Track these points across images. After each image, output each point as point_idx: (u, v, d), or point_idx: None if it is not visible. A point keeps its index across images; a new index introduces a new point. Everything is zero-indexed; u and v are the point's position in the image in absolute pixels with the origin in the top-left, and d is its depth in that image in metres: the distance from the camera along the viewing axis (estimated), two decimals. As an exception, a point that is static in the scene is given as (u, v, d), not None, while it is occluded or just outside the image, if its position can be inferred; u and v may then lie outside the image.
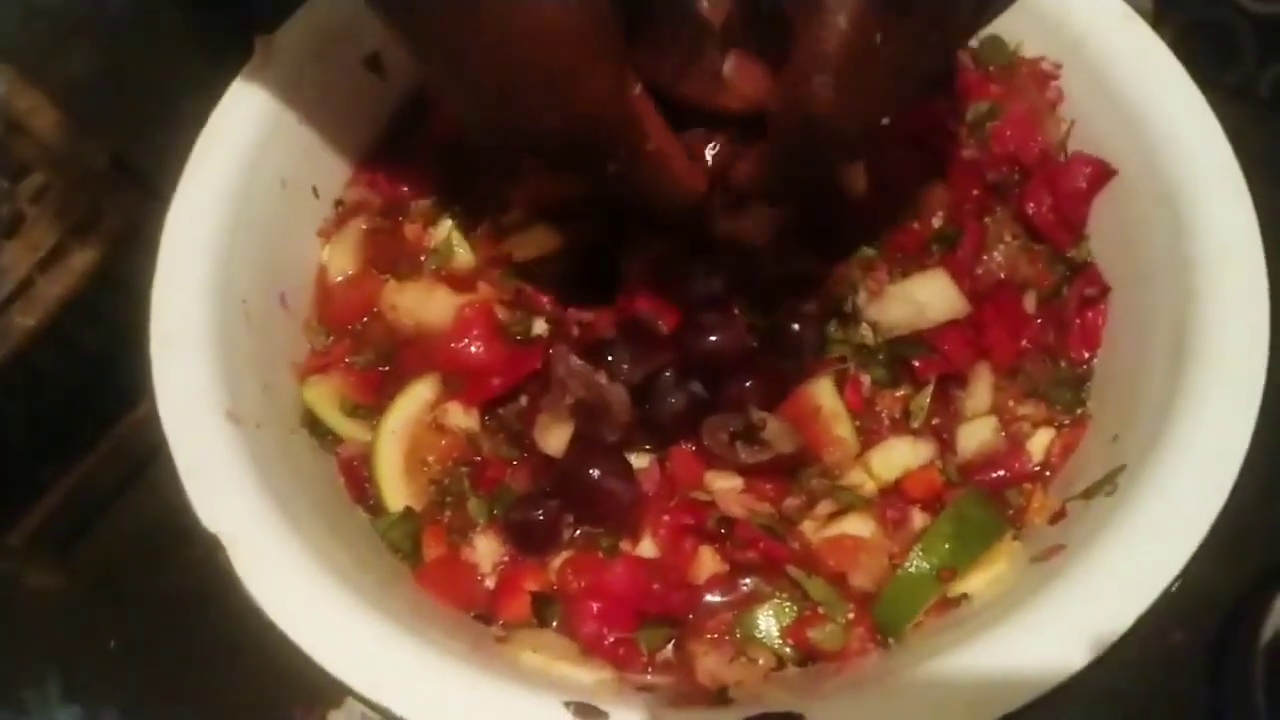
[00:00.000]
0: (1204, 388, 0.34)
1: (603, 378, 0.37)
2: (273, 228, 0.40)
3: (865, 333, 0.40)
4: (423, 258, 0.42)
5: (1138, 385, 0.37)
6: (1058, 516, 0.36)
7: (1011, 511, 0.38)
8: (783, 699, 0.32)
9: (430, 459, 0.39)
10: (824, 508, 0.37)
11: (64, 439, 0.58)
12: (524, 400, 0.39)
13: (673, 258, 0.39)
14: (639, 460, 0.38)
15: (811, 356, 0.39)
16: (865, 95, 0.29)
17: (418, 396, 0.39)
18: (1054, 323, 0.41)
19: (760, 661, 0.34)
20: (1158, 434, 0.34)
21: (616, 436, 0.37)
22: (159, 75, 0.70)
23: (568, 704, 0.31)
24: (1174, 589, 0.32)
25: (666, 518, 0.37)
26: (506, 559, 0.37)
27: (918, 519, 0.37)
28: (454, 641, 0.34)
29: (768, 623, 0.35)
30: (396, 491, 0.38)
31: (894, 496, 0.37)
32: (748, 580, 0.36)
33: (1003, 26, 0.44)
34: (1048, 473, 0.38)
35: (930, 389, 0.39)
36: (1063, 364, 0.40)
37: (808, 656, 0.35)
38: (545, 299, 0.41)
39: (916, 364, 0.39)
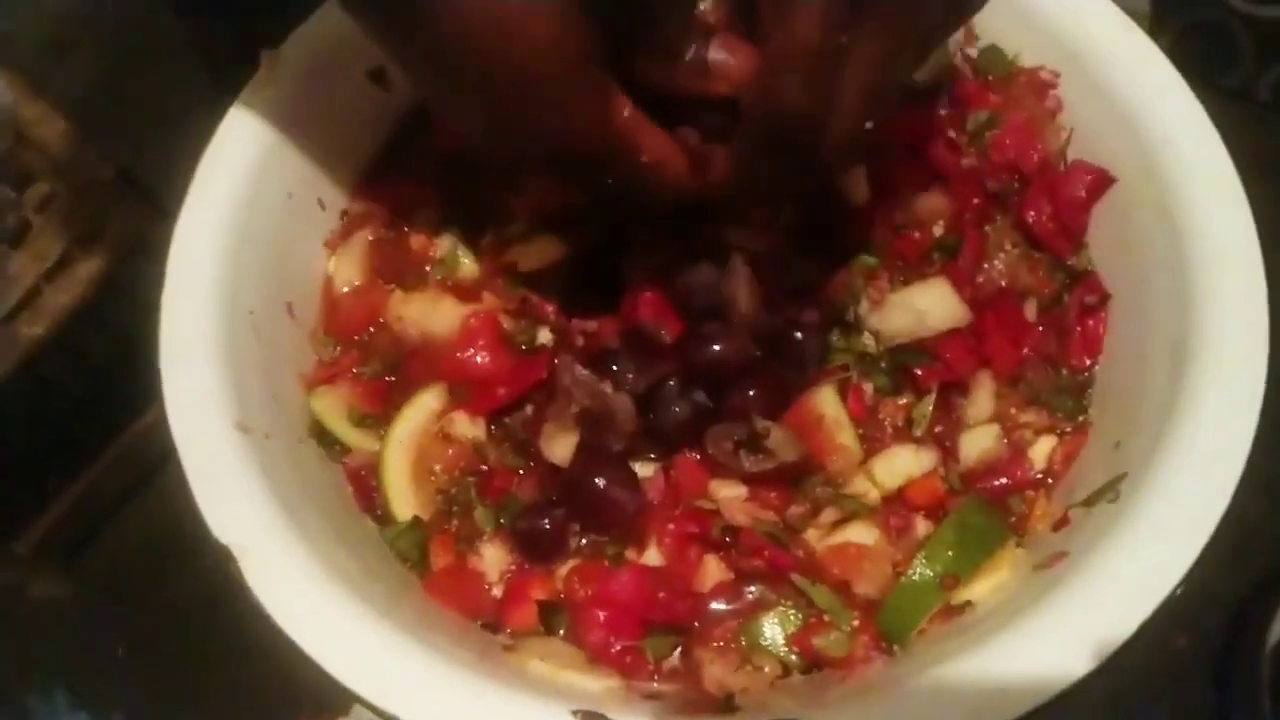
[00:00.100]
0: (1204, 393, 0.34)
1: (608, 387, 0.37)
2: (279, 239, 0.40)
3: (867, 341, 0.40)
4: (428, 268, 0.42)
5: (1138, 392, 0.38)
6: (1060, 524, 0.37)
7: (1014, 519, 0.38)
8: (789, 706, 0.32)
9: (437, 468, 0.39)
10: (828, 516, 0.37)
11: (70, 447, 0.59)
12: (530, 409, 0.39)
13: (675, 267, 0.39)
14: (644, 469, 0.38)
15: (814, 365, 0.39)
16: (837, 95, 0.29)
17: (424, 406, 0.39)
18: (1055, 330, 0.41)
19: (766, 669, 0.35)
20: (1159, 440, 0.34)
21: (621, 445, 0.37)
22: (163, 85, 0.71)
23: (575, 712, 0.31)
24: (1177, 594, 0.32)
25: (671, 526, 0.37)
26: (513, 568, 0.37)
27: (921, 526, 0.37)
28: (461, 650, 0.34)
29: (773, 630, 0.36)
30: (404, 501, 0.38)
31: (897, 504, 0.38)
32: (753, 588, 0.36)
33: (1001, 36, 0.44)
34: (1050, 480, 0.39)
35: (932, 397, 0.39)
36: (1064, 371, 0.41)
37: (813, 664, 0.35)
38: (549, 308, 0.41)
39: (918, 372, 0.39)
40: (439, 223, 0.43)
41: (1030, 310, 0.41)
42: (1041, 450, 0.39)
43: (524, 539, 0.37)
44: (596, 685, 0.34)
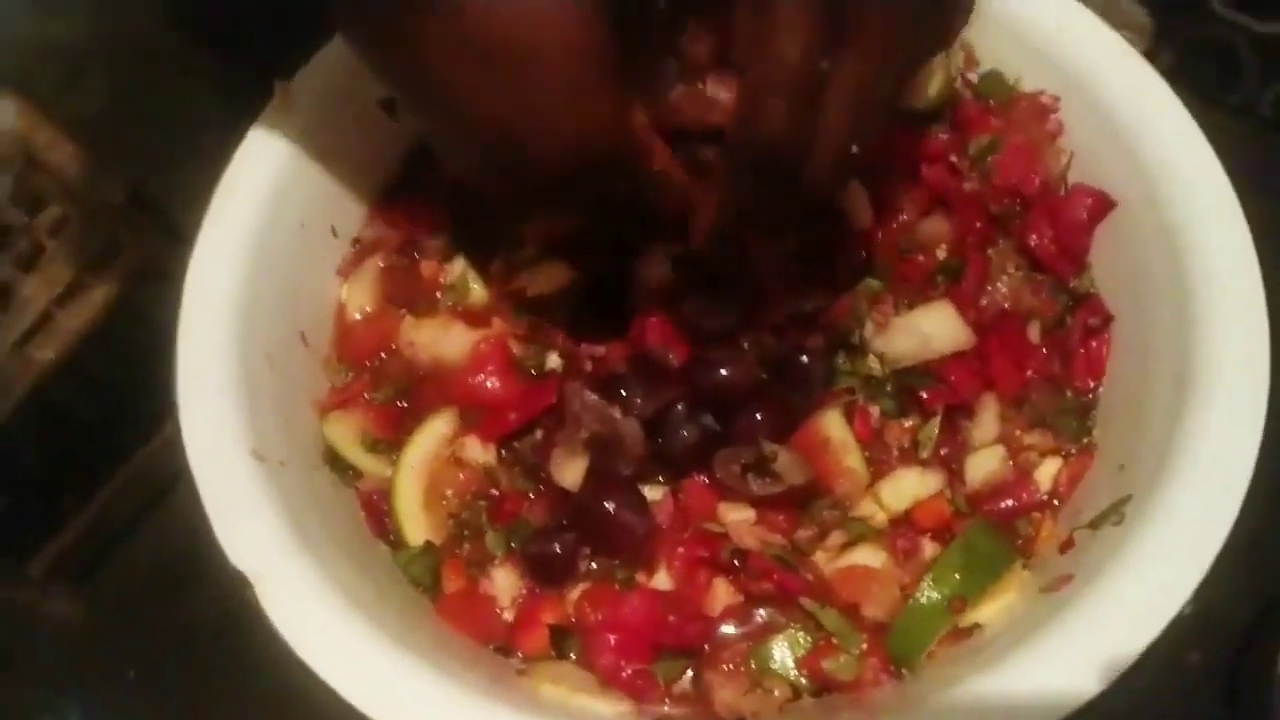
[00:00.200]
0: (1206, 416, 0.35)
1: (616, 412, 0.37)
2: (293, 268, 0.41)
3: (873, 364, 0.40)
4: (438, 294, 0.43)
5: (1142, 414, 0.38)
6: (1066, 546, 0.37)
7: (1020, 541, 0.38)
8: (799, 730, 0.32)
9: (449, 493, 0.39)
10: (835, 538, 0.37)
11: (82, 469, 0.59)
12: (539, 434, 0.40)
13: (681, 292, 0.40)
14: (653, 492, 0.39)
15: (820, 388, 0.40)
16: (820, 120, 0.30)
17: (435, 431, 0.40)
18: (1058, 352, 0.41)
19: (776, 692, 0.35)
20: (1162, 463, 0.35)
21: (630, 470, 0.38)
22: (174, 109, 0.71)
23: (587, 736, 0.32)
24: (1186, 612, 0.32)
25: (681, 550, 0.38)
26: (524, 592, 0.38)
27: (928, 549, 0.38)
28: (474, 674, 0.34)
29: (782, 654, 0.36)
30: (416, 525, 0.39)
31: (904, 526, 0.38)
32: (762, 611, 0.37)
33: (1002, 61, 0.45)
34: (1056, 502, 0.39)
35: (938, 419, 0.39)
36: (1068, 393, 0.41)
37: (823, 687, 0.36)
38: (558, 333, 0.42)
39: (924, 395, 0.39)
40: (449, 249, 0.43)
41: (1034, 332, 0.41)
42: (1047, 472, 0.39)
43: (535, 563, 0.38)
44: (608, 709, 0.35)
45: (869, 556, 0.37)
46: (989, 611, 0.36)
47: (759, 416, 0.38)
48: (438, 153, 0.36)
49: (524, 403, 0.40)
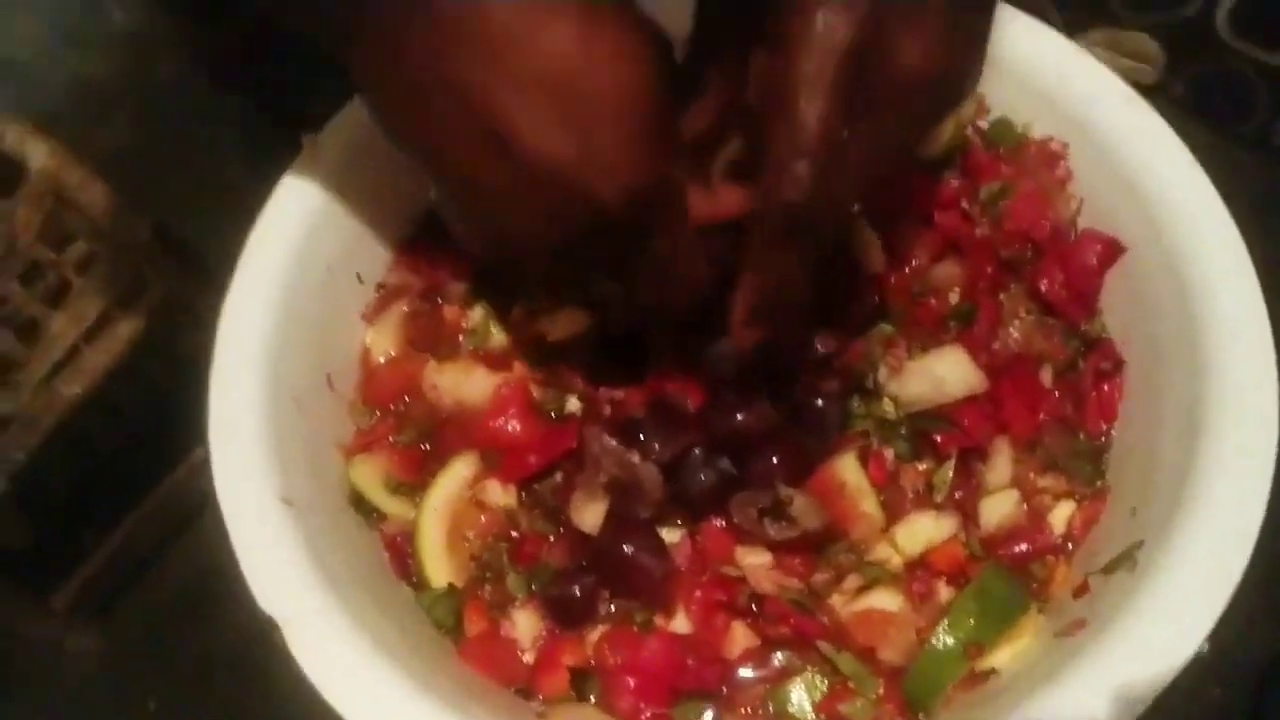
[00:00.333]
0: (1217, 463, 0.35)
1: (635, 457, 0.38)
2: (320, 315, 0.42)
3: (887, 407, 0.41)
4: (460, 338, 0.44)
5: (1153, 459, 0.38)
6: (1081, 590, 0.37)
7: (1035, 585, 0.39)
8: (817, 775, 0.33)
9: (470, 535, 0.40)
10: (851, 582, 0.38)
11: (105, 503, 0.60)
12: (559, 476, 0.41)
13: (696, 338, 0.41)
14: (670, 535, 0.39)
15: (835, 432, 0.40)
16: (835, 186, 0.31)
17: (458, 474, 0.41)
18: (1071, 396, 0.42)
19: (794, 737, 0.35)
20: (1174, 509, 0.35)
21: (649, 513, 0.39)
22: (198, 147, 0.73)
23: (609, 781, 0.32)
24: (1204, 651, 0.33)
25: (699, 593, 0.38)
26: (545, 634, 0.38)
27: (943, 592, 0.38)
28: (497, 717, 0.35)
29: (800, 697, 0.36)
30: (439, 567, 0.39)
31: (920, 570, 0.39)
32: (779, 655, 0.37)
33: (1011, 109, 0.46)
34: (1070, 545, 0.39)
35: (952, 463, 0.40)
36: (1081, 436, 0.41)
37: (839, 731, 0.36)
38: (577, 377, 0.42)
39: (938, 438, 0.40)
40: (470, 295, 0.44)
41: (1046, 376, 0.42)
42: (1061, 515, 0.40)
43: (555, 605, 0.38)
44: (628, 752, 0.35)
45: (885, 600, 0.38)
46: (1004, 656, 0.37)
47: (775, 460, 0.39)
48: (456, 225, 0.37)
49: (544, 446, 0.40)
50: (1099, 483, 0.41)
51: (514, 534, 0.40)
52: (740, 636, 0.37)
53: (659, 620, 0.38)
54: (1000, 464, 0.40)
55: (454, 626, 0.39)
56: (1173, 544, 0.35)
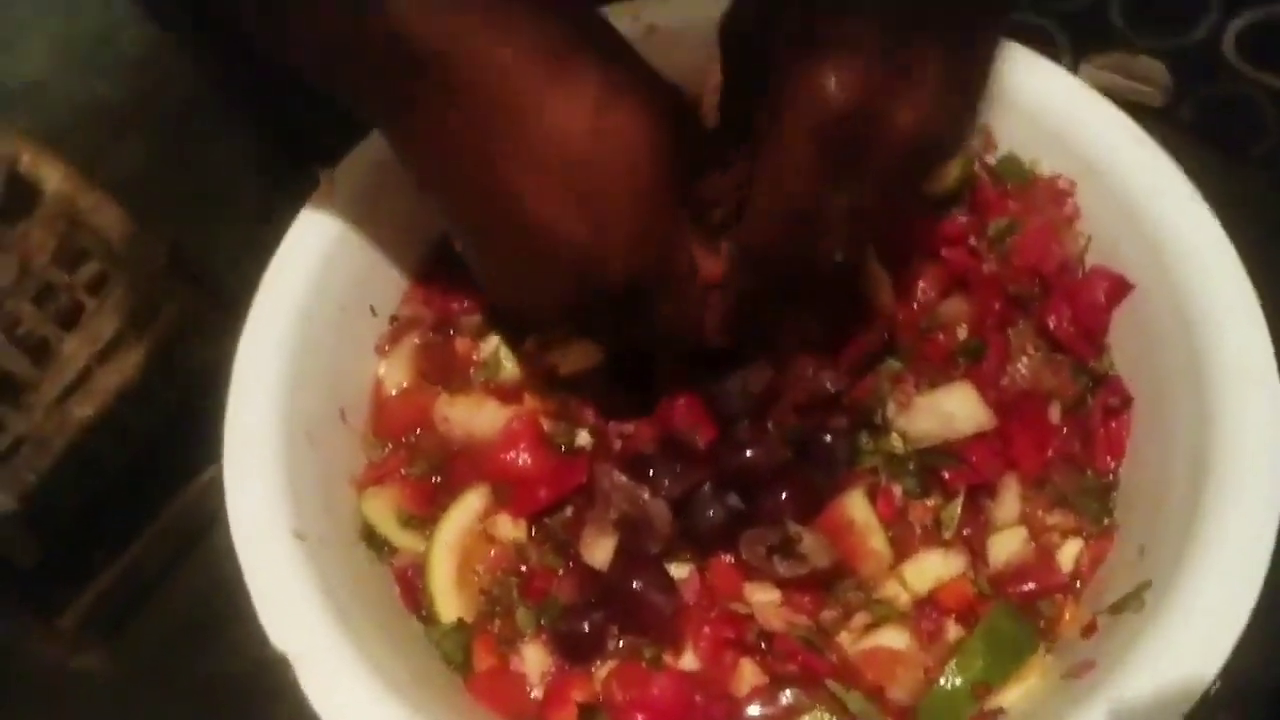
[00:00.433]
0: (1223, 508, 0.35)
1: (645, 493, 0.38)
2: (335, 349, 0.42)
3: (895, 442, 0.41)
4: (472, 371, 0.44)
5: (1161, 499, 0.39)
6: (1089, 630, 0.37)
7: (1043, 623, 0.39)
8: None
9: (480, 569, 0.40)
10: (860, 619, 0.38)
11: (114, 522, 0.61)
12: (569, 511, 0.41)
13: (705, 375, 0.41)
14: (679, 570, 0.40)
15: (843, 467, 0.41)
16: (814, 241, 0.32)
17: (469, 507, 0.41)
18: (1079, 433, 0.42)
19: (802, 775, 0.36)
20: (1181, 550, 0.35)
21: (659, 549, 0.39)
22: (211, 170, 0.74)
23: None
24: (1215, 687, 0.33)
25: (707, 630, 0.38)
26: (554, 669, 0.39)
27: (952, 630, 0.38)
28: (506, 754, 0.35)
29: (808, 735, 0.36)
30: (449, 602, 0.40)
31: (928, 608, 0.39)
32: (788, 692, 0.37)
33: (1019, 145, 0.46)
34: (1078, 583, 0.39)
35: (960, 500, 0.40)
36: (1089, 473, 0.42)
37: (848, 770, 0.36)
38: (588, 411, 0.43)
39: (946, 474, 0.40)
40: (482, 327, 0.45)
41: (1054, 413, 0.42)
42: (1069, 553, 0.40)
43: (564, 641, 0.39)
44: (637, 790, 0.35)
45: (893, 638, 0.38)
46: (1012, 696, 0.37)
47: (784, 496, 0.39)
48: (473, 267, 0.38)
49: (555, 480, 0.41)
50: (1107, 520, 0.41)
51: (523, 568, 0.40)
52: (749, 674, 0.38)
53: (668, 657, 0.38)
54: (1008, 501, 0.41)
55: (463, 662, 0.39)
56: (1180, 586, 0.35)
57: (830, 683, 0.37)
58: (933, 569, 0.39)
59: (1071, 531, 0.40)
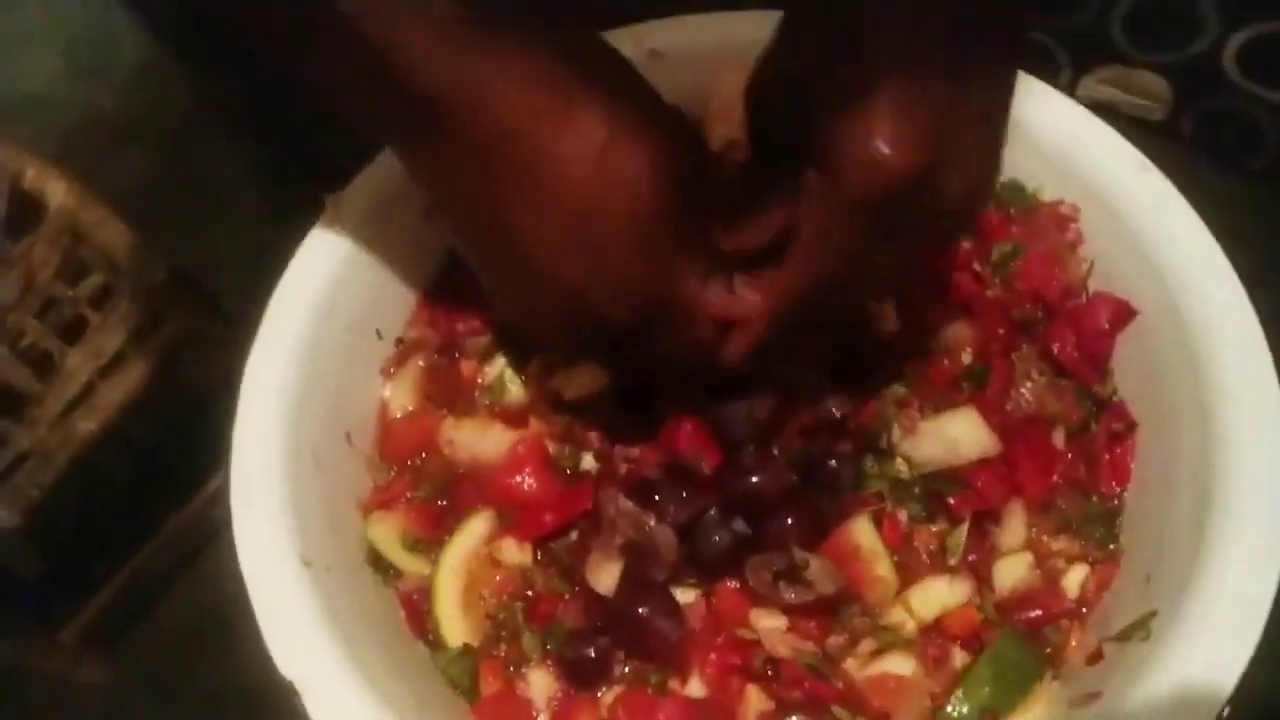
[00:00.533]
0: (1228, 539, 0.35)
1: (651, 519, 0.38)
2: (341, 372, 0.42)
3: (900, 467, 0.41)
4: (477, 394, 0.44)
5: (1165, 526, 0.39)
6: (1095, 657, 0.38)
7: (1049, 650, 0.39)
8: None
9: (486, 593, 0.40)
10: (866, 646, 0.38)
11: (116, 535, 0.61)
12: (575, 535, 0.41)
13: (710, 400, 0.41)
14: (685, 595, 0.40)
15: (849, 493, 0.41)
16: (858, 291, 0.34)
17: (474, 532, 0.41)
18: (1083, 457, 0.42)
19: (808, 803, 0.36)
20: (1186, 582, 0.35)
21: (664, 575, 0.39)
22: (212, 183, 0.74)
23: None
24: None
25: (713, 656, 0.38)
26: (560, 695, 0.39)
27: (958, 657, 0.38)
28: (512, 780, 0.35)
29: (815, 763, 0.37)
30: (455, 627, 0.40)
31: (934, 634, 0.39)
32: (794, 719, 0.37)
33: (1023, 172, 0.46)
34: (1084, 609, 0.40)
35: (965, 526, 0.40)
36: (1094, 499, 0.42)
37: (854, 798, 0.36)
38: (594, 434, 0.43)
39: (951, 500, 0.40)
40: (488, 349, 0.45)
41: (1059, 438, 0.42)
42: (1074, 579, 0.40)
43: (570, 666, 0.39)
44: (643, 818, 0.35)
45: (899, 665, 0.38)
46: (1018, 724, 0.37)
47: (790, 522, 0.39)
48: (492, 300, 0.38)
49: (560, 505, 0.41)
50: (1112, 546, 0.41)
51: (529, 593, 0.40)
52: (755, 700, 0.38)
53: (674, 683, 0.38)
54: (1014, 526, 0.41)
55: (469, 687, 0.39)
56: (1186, 615, 0.35)
57: (836, 709, 0.37)
58: (938, 595, 0.39)
59: (1077, 557, 0.40)
